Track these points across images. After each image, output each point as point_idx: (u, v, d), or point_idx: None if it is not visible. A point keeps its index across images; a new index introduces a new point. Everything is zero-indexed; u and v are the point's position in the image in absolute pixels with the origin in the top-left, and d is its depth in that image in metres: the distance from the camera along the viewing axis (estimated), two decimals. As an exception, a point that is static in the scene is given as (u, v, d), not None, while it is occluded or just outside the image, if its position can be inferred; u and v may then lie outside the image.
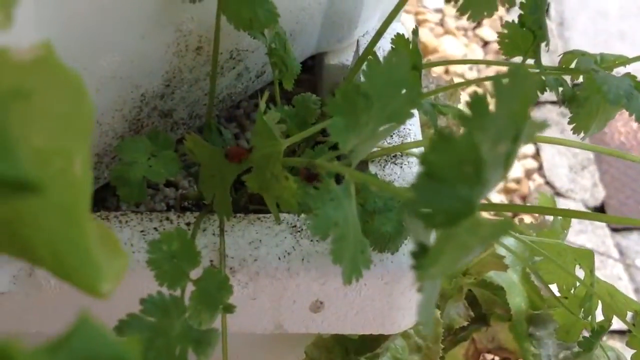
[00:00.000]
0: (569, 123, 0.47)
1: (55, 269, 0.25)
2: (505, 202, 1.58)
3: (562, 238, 0.58)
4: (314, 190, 0.35)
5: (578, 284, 0.56)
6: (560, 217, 0.61)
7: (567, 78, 0.48)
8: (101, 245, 0.27)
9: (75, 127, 0.25)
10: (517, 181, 1.65)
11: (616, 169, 1.77)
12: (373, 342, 0.58)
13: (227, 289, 0.42)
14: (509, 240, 0.59)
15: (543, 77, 0.45)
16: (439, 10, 2.20)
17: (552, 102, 1.83)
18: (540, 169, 1.74)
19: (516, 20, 0.44)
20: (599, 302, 0.56)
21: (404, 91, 0.33)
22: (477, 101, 0.22)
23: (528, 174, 1.70)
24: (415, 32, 0.46)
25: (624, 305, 0.55)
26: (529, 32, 0.43)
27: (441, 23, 2.12)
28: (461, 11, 0.44)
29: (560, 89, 0.46)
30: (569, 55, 0.47)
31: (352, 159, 0.35)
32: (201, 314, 0.40)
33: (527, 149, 1.75)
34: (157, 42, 0.49)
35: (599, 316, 0.57)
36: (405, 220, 0.41)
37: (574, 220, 1.68)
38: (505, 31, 0.43)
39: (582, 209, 1.68)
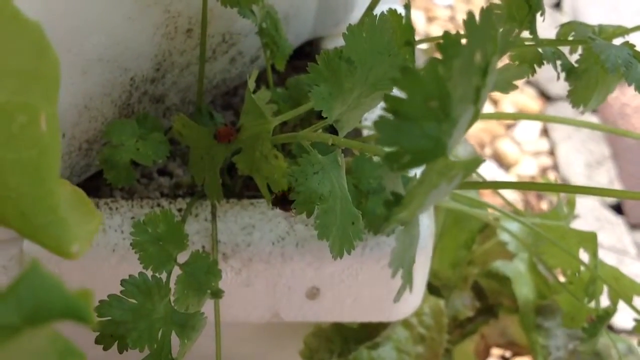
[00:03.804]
0: (568, 96, 0.45)
1: (22, 228, 0.24)
2: (519, 200, 1.56)
3: (567, 221, 0.56)
4: (296, 166, 0.34)
5: (583, 268, 0.54)
6: (565, 200, 0.59)
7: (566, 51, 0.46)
8: (73, 206, 0.27)
9: (39, 82, 0.24)
10: (532, 179, 1.62)
11: (634, 165, 1.74)
12: (373, 331, 0.56)
13: (215, 273, 0.41)
14: (512, 225, 0.57)
15: (540, 50, 0.43)
16: (450, 7, 2.19)
17: (565, 99, 1.81)
18: (555, 166, 1.71)
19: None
20: (604, 287, 0.54)
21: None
22: (448, 40, 0.21)
23: (543, 171, 1.67)
24: (407, 6, 0.45)
25: (630, 289, 0.53)
26: (523, 2, 0.41)
27: (452, 19, 2.10)
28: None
29: (559, 62, 0.45)
30: (566, 26, 0.45)
31: (339, 129, 0.33)
32: (188, 299, 0.39)
33: (542, 145, 1.72)
34: (144, 24, 0.48)
35: (606, 302, 0.55)
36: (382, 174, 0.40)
37: (590, 218, 1.66)
38: (498, 1, 0.42)
39: (599, 206, 1.66)
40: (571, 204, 0.59)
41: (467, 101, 0.21)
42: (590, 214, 1.64)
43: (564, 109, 1.81)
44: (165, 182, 0.57)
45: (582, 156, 1.73)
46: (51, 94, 0.24)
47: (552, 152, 1.73)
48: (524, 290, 0.73)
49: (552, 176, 1.67)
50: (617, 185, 1.69)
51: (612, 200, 1.64)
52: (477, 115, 0.22)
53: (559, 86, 1.68)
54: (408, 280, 0.24)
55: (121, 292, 0.37)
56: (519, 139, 1.73)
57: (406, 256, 0.23)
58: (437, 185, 0.21)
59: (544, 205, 1.58)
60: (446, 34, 0.23)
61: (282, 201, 0.43)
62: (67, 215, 0.24)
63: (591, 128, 0.64)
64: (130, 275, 0.37)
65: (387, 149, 0.22)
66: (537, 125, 1.75)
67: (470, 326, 0.80)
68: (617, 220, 1.66)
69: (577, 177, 1.69)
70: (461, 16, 2.10)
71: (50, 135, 0.24)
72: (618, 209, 1.66)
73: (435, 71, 0.21)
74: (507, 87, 0.24)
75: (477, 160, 0.21)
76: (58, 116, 0.25)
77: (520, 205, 1.56)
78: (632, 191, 0.37)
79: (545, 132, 1.74)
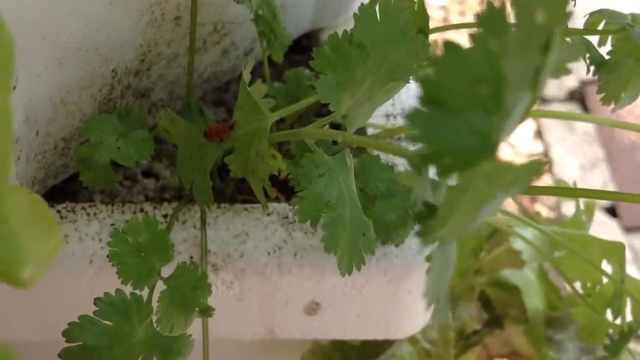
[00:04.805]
0: (598, 92, 0.41)
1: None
2: (512, 202, 1.52)
3: (586, 229, 0.52)
4: (300, 167, 0.29)
5: (605, 280, 0.50)
6: (583, 207, 0.55)
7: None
8: (28, 219, 0.22)
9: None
10: (526, 181, 1.59)
11: (628, 167, 1.71)
12: (377, 348, 0.52)
13: (204, 288, 0.36)
14: (526, 232, 0.53)
15: (568, 40, 0.39)
16: (443, 8, 2.15)
17: (560, 101, 1.78)
18: (549, 168, 1.68)
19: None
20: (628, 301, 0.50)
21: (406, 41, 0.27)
22: (492, 12, 0.17)
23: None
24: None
25: (657, 303, 0.49)
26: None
27: (445, 20, 2.06)
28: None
29: (588, 54, 0.40)
30: (595, 15, 0.41)
31: (348, 125, 0.29)
32: (173, 318, 0.34)
33: (536, 147, 1.69)
34: (128, 9, 0.43)
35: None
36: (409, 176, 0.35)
37: (585, 221, 1.62)
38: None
39: (593, 209, 1.62)
40: (589, 211, 0.54)
41: (523, 86, 0.17)
42: (585, 217, 1.60)
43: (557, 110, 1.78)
44: (150, 185, 0.53)
45: (576, 158, 1.71)
46: (2, 78, 0.20)
47: (546, 154, 1.70)
48: (534, 300, 0.69)
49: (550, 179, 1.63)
50: (611, 187, 1.66)
51: (606, 203, 1.60)
52: (532, 105, 0.18)
53: (554, 87, 1.65)
54: (442, 312, 0.19)
55: (95, 312, 0.32)
56: (513, 140, 1.70)
57: (441, 281, 0.19)
58: (491, 196, 0.17)
59: (538, 207, 1.54)
60: (489, 3, 0.18)
61: (280, 187, 0.38)
62: (19, 229, 0.20)
63: (587, 121, 0.60)
64: (105, 293, 0.32)
65: (419, 148, 0.18)
66: (531, 127, 1.72)
67: (474, 338, 0.75)
68: (611, 223, 1.64)
69: (572, 179, 1.66)
70: (454, 17, 2.06)
71: (-1, 128, 0.19)
72: (612, 211, 1.62)
73: (486, 47, 0.16)
74: (558, 70, 0.20)
75: (538, 164, 0.16)
76: (10, 106, 0.20)
77: (512, 207, 1.52)
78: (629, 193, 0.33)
79: (539, 134, 1.71)
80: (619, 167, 1.72)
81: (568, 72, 0.21)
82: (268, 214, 0.45)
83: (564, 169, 1.69)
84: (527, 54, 0.17)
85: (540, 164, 0.17)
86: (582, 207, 0.54)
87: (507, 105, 0.17)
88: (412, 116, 0.17)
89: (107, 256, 0.34)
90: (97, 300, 0.32)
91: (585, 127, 1.69)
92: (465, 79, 0.17)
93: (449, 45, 0.16)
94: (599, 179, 1.69)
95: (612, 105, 0.42)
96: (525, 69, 0.17)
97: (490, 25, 0.18)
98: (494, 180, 0.17)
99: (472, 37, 0.17)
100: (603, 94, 0.41)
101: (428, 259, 0.18)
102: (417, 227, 0.19)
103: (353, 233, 0.29)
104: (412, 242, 0.43)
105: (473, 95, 0.17)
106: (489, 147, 0.17)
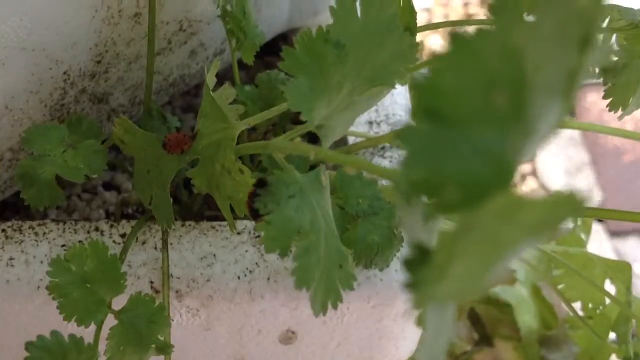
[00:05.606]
0: (604, 97, 0.37)
1: None
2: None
3: (584, 246, 0.48)
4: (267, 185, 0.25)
5: (608, 301, 0.46)
6: (580, 222, 0.51)
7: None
8: None
9: None
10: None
11: (613, 171, 1.69)
12: (360, 377, 0.47)
13: (161, 322, 0.31)
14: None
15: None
16: (427, 10, 2.11)
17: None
18: (534, 172, 1.66)
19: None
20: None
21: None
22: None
23: (522, 178, 1.62)
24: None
25: (665, 327, 0.44)
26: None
27: (429, 23, 2.03)
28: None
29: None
30: (602, 12, 0.36)
31: (323, 137, 0.24)
32: (125, 357, 0.30)
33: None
34: (79, 4, 0.38)
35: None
36: (396, 212, 0.31)
37: (570, 225, 1.60)
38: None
39: (579, 214, 1.59)
40: (587, 227, 0.50)
41: (553, 92, 0.13)
42: (571, 222, 1.58)
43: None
44: (111, 198, 0.48)
45: (561, 162, 1.69)
46: None
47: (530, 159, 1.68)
48: (527, 318, 0.65)
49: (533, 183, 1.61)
50: (596, 192, 1.64)
51: (592, 206, 1.58)
52: (564, 117, 0.13)
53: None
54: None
55: (25, 358, 0.27)
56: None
57: (437, 350, 0.15)
58: (508, 241, 0.12)
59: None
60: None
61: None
62: None
63: (572, 128, 0.56)
64: (38, 336, 0.28)
65: (411, 173, 0.13)
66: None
67: (463, 357, 0.71)
68: (596, 227, 1.63)
69: (557, 183, 1.64)
70: (438, 19, 2.03)
71: None
72: (598, 216, 1.60)
73: (505, 40, 0.12)
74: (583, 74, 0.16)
75: (577, 200, 0.12)
76: None
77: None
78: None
79: (524, 138, 1.69)
80: (604, 172, 1.70)
81: (595, 76, 0.16)
82: (238, 233, 0.40)
83: (549, 173, 1.67)
84: (561, 49, 0.12)
85: (580, 201, 0.12)
86: (579, 222, 0.50)
87: (531, 118, 0.13)
88: (406, 135, 0.13)
89: (47, 288, 0.30)
90: (28, 345, 0.27)
91: (570, 131, 1.67)
92: (475, 82, 0.12)
93: (456, 38, 0.12)
94: (585, 182, 1.66)
95: (620, 112, 0.38)
96: (556, 69, 0.12)
97: (507, 14, 0.13)
98: (510, 219, 0.13)
99: (482, 31, 0.13)
100: (610, 99, 0.37)
101: (419, 322, 0.14)
102: (405, 277, 0.14)
103: (328, 265, 0.25)
104: (397, 264, 0.39)
105: (485, 105, 0.12)
106: (504, 175, 0.13)
